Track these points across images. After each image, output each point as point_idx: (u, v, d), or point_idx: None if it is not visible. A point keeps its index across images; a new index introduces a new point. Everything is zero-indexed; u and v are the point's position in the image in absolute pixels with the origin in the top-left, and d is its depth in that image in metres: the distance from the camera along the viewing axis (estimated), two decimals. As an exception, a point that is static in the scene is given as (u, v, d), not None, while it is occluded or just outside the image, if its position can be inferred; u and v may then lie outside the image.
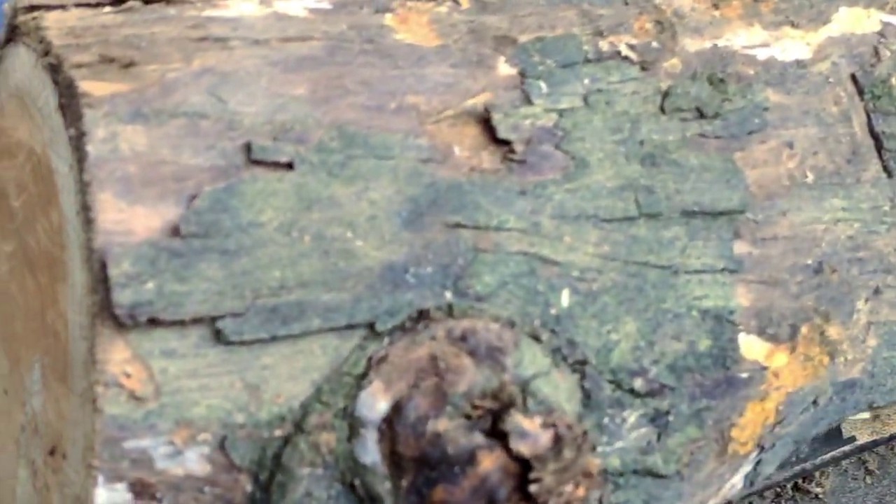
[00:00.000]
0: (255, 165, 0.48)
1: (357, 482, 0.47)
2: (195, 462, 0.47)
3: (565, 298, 0.52)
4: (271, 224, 0.47)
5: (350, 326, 0.48)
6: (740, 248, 0.58)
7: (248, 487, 0.48)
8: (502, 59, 0.56)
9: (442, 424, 0.46)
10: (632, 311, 0.54)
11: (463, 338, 0.48)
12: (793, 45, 0.64)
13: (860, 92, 0.65)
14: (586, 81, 0.57)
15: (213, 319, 0.46)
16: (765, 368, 0.59)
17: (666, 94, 0.58)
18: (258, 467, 0.48)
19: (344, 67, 0.52)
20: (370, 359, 0.48)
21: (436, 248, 0.50)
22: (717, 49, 0.62)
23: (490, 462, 0.46)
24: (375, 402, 0.46)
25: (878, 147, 0.64)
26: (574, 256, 0.53)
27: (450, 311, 0.50)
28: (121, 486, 0.46)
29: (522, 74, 0.56)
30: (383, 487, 0.47)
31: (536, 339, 0.51)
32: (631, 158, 0.56)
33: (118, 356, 0.44)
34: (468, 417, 0.48)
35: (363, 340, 0.49)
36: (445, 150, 0.52)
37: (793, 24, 0.65)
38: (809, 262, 0.60)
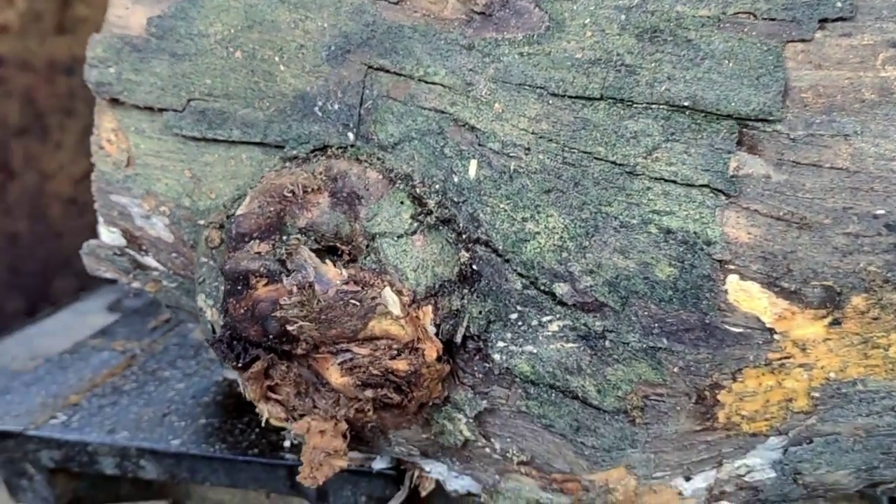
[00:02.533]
0: (230, -17, 0.53)
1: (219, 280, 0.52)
2: (162, 229, 0.56)
3: (472, 169, 0.47)
4: (215, 36, 0.52)
5: (265, 144, 0.52)
6: (753, 166, 0.44)
7: (200, 262, 0.56)
8: None
9: (259, 247, 0.47)
10: (560, 205, 0.46)
11: (335, 178, 0.48)
12: None
13: None
14: None
15: (161, 111, 0.53)
16: (771, 331, 0.45)
17: (723, -44, 0.45)
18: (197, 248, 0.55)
19: None
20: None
21: (348, 87, 0.50)
22: None
23: (264, 291, 0.46)
24: (236, 214, 0.50)
25: None
26: (499, 127, 0.47)
27: (344, 151, 0.49)
28: (116, 231, 0.58)
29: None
30: (219, 289, 0.50)
31: (419, 201, 0.48)
32: (627, 30, 0.46)
33: (107, 125, 0.55)
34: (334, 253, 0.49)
35: (280, 160, 0.51)
36: (411, -10, 0.50)
37: None
38: (881, 211, 0.42)
